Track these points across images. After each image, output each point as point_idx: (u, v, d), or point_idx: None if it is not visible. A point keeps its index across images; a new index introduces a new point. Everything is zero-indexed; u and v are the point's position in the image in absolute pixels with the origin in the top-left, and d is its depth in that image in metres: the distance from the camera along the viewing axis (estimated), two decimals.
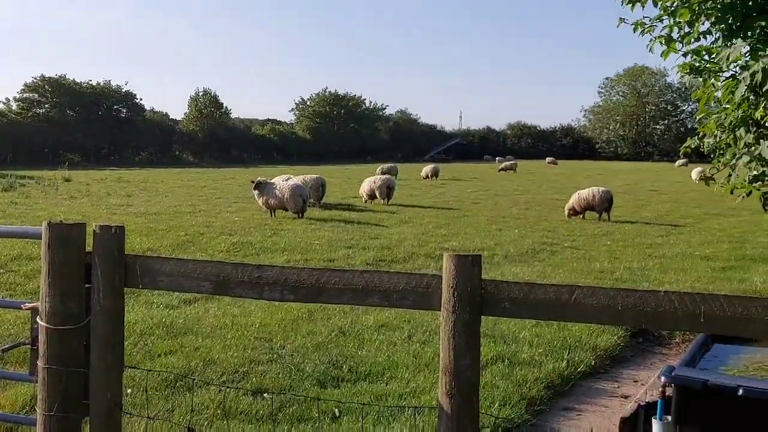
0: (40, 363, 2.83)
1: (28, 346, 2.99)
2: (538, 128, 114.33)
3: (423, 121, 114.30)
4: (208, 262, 2.84)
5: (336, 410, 5.04)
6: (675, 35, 6.49)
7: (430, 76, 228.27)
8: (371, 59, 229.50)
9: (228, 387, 5.45)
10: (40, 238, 2.95)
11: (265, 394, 5.36)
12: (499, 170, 53.28)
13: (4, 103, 78.84)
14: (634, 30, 6.59)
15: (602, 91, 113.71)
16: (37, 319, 2.85)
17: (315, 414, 4.98)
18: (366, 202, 24.81)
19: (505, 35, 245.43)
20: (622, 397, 5.96)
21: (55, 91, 79.15)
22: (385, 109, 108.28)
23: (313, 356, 6.33)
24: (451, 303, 2.45)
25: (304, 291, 2.69)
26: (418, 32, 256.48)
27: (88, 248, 2.89)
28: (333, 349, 6.53)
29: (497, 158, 78.14)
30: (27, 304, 2.94)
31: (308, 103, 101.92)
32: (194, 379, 5.62)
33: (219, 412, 5.01)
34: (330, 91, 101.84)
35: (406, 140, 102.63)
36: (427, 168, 43.33)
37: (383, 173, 34.30)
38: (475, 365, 2.47)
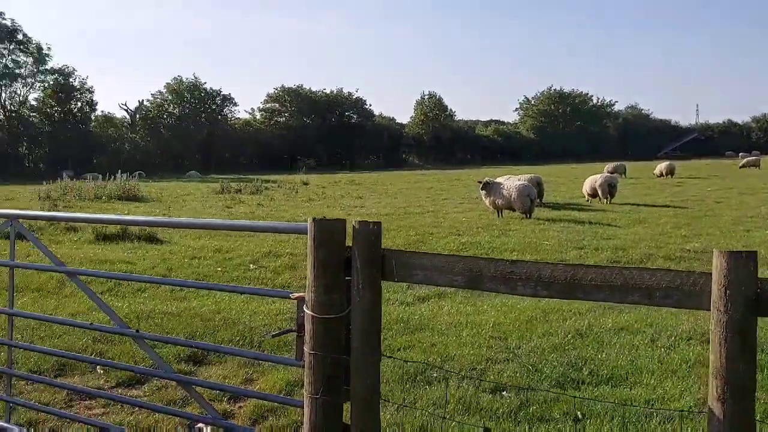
0: (306, 349, 3.03)
1: (294, 333, 3.21)
2: None
3: (655, 116, 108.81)
4: (461, 257, 2.89)
5: (578, 413, 4.92)
6: None
7: (662, 68, 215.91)
8: (598, 54, 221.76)
9: (467, 382, 5.52)
10: (302, 233, 3.17)
11: (503, 393, 5.36)
12: (740, 167, 49.04)
13: (249, 114, 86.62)
14: None
15: None
16: (304, 308, 3.05)
17: (556, 415, 4.89)
18: (588, 201, 24.24)
19: (743, 21, 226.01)
20: None
21: (294, 101, 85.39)
22: (613, 105, 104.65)
23: (550, 357, 6.23)
24: (722, 302, 2.29)
25: (558, 287, 2.64)
26: (646, 22, 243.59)
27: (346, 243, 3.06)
28: (571, 351, 6.39)
29: (740, 154, 72.13)
30: (294, 294, 3.17)
31: (532, 102, 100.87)
32: (446, 370, 5.75)
33: (459, 407, 5.09)
34: (555, 89, 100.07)
35: (637, 137, 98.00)
36: (661, 165, 41.08)
37: (610, 172, 33.05)
38: (750, 369, 2.29)
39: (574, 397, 4.97)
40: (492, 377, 5.76)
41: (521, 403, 5.13)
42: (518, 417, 4.91)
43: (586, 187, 24.80)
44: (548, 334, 6.98)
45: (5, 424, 4.11)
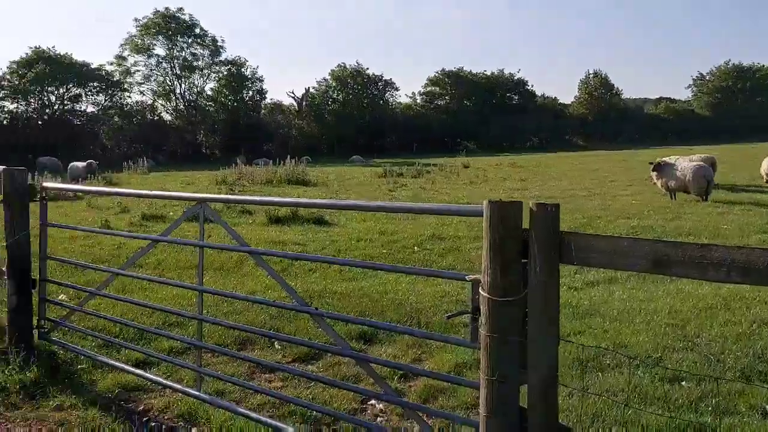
0: (482, 331, 3.04)
1: (468, 315, 3.23)
2: None
3: None
4: (643, 240, 2.79)
5: (766, 406, 4.61)
6: None
7: None
8: None
9: (643, 370, 5.32)
10: (477, 216, 3.16)
11: (682, 383, 5.12)
12: None
13: (410, 98, 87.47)
14: None
15: None
16: (479, 290, 3.06)
17: (742, 408, 4.61)
18: (767, 182, 22.55)
19: None
20: None
21: (454, 84, 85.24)
22: None
23: (733, 347, 5.87)
24: None
25: (755, 273, 2.49)
26: None
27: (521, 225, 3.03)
28: (757, 341, 5.99)
29: None
30: (470, 276, 3.18)
31: (707, 78, 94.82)
32: (626, 355, 5.58)
33: (635, 395, 4.91)
34: (733, 64, 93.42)
35: None
36: None
37: None
38: None
39: None
40: (670, 366, 5.52)
41: (702, 394, 4.88)
42: (699, 408, 4.67)
43: (764, 168, 23.13)
44: (731, 323, 6.58)
45: (279, 424, 4.34)
